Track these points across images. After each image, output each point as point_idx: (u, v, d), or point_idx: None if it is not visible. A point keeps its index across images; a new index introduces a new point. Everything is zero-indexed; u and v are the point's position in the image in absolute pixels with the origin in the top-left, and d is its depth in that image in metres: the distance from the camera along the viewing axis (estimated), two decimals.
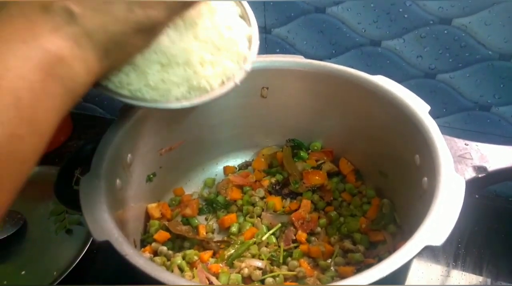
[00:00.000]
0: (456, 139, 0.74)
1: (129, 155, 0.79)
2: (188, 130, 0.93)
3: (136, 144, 0.81)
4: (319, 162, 0.98)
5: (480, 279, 0.85)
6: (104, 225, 0.57)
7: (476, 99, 0.99)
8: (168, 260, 0.78)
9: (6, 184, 0.36)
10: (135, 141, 0.80)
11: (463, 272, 0.86)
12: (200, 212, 0.93)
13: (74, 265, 0.83)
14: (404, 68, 1.02)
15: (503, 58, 0.91)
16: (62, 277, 0.81)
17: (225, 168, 1.02)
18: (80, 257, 0.84)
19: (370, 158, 0.92)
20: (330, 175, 0.96)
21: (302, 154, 0.99)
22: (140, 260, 0.53)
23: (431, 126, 0.71)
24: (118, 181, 0.73)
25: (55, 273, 0.83)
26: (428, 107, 0.75)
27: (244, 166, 1.03)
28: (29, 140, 0.37)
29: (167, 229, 0.86)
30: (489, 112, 1.00)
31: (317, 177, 0.93)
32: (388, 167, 0.88)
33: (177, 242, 0.84)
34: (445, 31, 0.92)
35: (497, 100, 0.97)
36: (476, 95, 0.99)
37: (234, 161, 1.04)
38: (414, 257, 0.53)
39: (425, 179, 0.70)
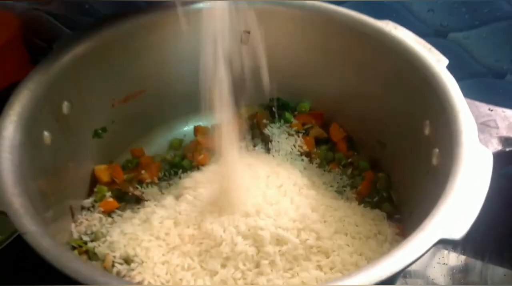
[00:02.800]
0: (477, 103, 0.59)
1: (66, 103, 0.63)
2: (150, 77, 0.76)
3: (78, 89, 0.64)
4: (306, 126, 0.83)
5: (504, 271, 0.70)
6: (2, 190, 0.41)
7: (490, 65, 0.87)
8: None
9: None
10: (76, 85, 0.64)
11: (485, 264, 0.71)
12: (161, 178, 0.78)
13: None
14: (412, 24, 0.87)
15: None
16: None
17: (196, 128, 0.86)
18: None
19: (367, 123, 0.77)
20: (318, 141, 0.81)
21: (287, 115, 0.84)
22: (44, 241, 0.38)
23: (450, 84, 0.56)
24: (46, 133, 0.58)
25: None
26: (445, 61, 0.60)
27: (219, 126, 0.87)
28: None
29: (117, 196, 0.71)
30: (503, 80, 0.87)
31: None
32: (387, 134, 0.73)
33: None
34: None
35: None
36: (491, 59, 0.87)
37: (208, 120, 0.88)
38: (424, 254, 0.39)
39: (436, 150, 0.56)
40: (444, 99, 0.55)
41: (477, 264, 0.69)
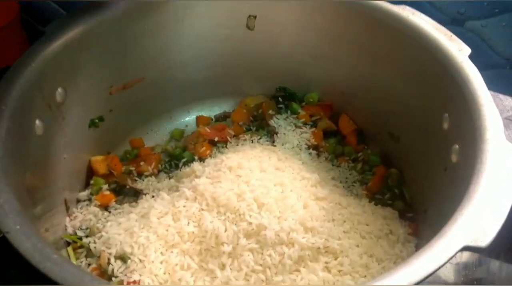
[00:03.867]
0: (502, 97, 0.55)
1: (60, 89, 0.59)
2: (150, 64, 0.72)
3: (72, 76, 0.61)
4: (314, 118, 0.78)
5: None
6: None
7: (508, 55, 0.82)
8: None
9: None
10: (70, 71, 0.60)
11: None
12: (161, 170, 0.74)
13: None
14: (427, 11, 0.81)
15: None
16: None
17: (198, 118, 0.83)
18: None
19: (379, 115, 0.73)
20: (326, 134, 0.77)
21: (295, 106, 0.80)
22: (28, 242, 0.34)
23: (473, 75, 0.52)
24: (38, 122, 0.54)
25: None
26: (468, 50, 0.55)
27: (222, 117, 0.83)
28: None
29: (115, 189, 0.68)
30: None
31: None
32: (401, 128, 0.69)
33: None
34: None
35: None
36: (510, 50, 0.83)
37: (210, 110, 0.84)
38: (446, 263, 0.35)
39: (456, 146, 0.52)
40: (467, 91, 0.51)
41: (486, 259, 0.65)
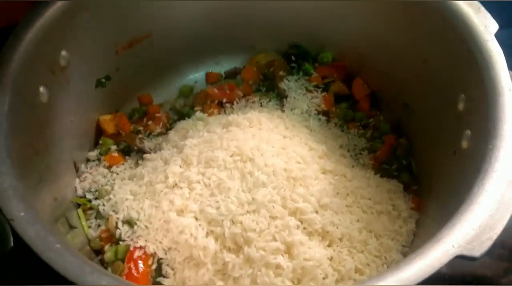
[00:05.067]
0: None
1: (64, 52, 0.57)
2: (156, 19, 0.69)
3: (74, 37, 0.59)
4: (326, 80, 0.76)
5: None
6: None
7: None
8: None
9: None
10: (72, 32, 0.58)
11: None
12: (169, 129, 0.74)
13: None
14: None
15: None
16: None
17: (207, 74, 0.81)
18: None
19: (395, 83, 0.70)
20: (338, 98, 0.75)
21: (307, 66, 0.76)
22: (30, 231, 0.35)
23: (495, 58, 0.48)
24: (42, 89, 0.54)
25: None
26: (495, 27, 0.51)
27: (233, 73, 0.81)
28: None
29: (123, 150, 0.69)
30: None
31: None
32: (416, 99, 0.66)
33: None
34: None
35: None
36: None
37: (220, 66, 0.82)
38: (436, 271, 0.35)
39: (468, 132, 0.50)
40: (487, 76, 0.47)
41: None
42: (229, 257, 0.50)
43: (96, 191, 0.62)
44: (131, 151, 0.69)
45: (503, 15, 0.53)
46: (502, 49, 0.49)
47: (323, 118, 0.72)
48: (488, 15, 0.51)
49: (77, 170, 0.64)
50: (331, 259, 0.54)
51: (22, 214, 0.37)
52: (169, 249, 0.55)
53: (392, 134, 0.71)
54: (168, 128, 0.73)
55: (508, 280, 0.61)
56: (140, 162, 0.67)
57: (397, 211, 0.60)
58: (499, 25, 0.51)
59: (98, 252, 0.58)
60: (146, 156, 0.66)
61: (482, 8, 0.52)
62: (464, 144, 0.50)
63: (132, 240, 0.56)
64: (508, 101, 0.44)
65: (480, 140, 0.46)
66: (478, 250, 0.35)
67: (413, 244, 0.57)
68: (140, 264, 0.53)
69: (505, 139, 0.42)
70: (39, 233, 0.36)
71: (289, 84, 0.74)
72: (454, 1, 0.53)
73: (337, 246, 0.55)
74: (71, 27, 0.57)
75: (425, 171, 0.64)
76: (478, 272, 0.62)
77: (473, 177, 0.42)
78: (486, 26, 0.50)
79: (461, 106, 0.53)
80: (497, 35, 0.51)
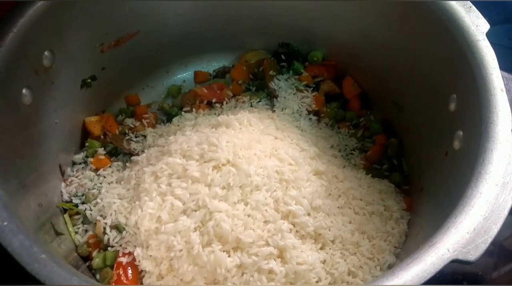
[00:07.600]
0: None
1: (47, 53, 0.55)
2: (143, 17, 0.67)
3: (58, 36, 0.57)
4: (316, 79, 0.75)
5: None
6: None
7: None
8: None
9: None
10: (56, 31, 0.56)
11: None
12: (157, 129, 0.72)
13: None
14: None
15: None
16: None
17: (196, 73, 0.79)
18: None
19: (385, 82, 0.69)
20: (329, 98, 0.74)
21: (297, 65, 0.76)
22: (15, 242, 0.34)
23: (487, 58, 0.48)
24: (25, 91, 0.52)
25: None
26: (486, 26, 0.50)
27: (222, 72, 0.80)
28: None
29: (110, 152, 0.67)
30: None
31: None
32: (407, 98, 0.66)
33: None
34: None
35: None
36: None
37: (209, 65, 0.80)
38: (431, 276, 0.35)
39: (460, 133, 0.50)
40: (478, 76, 0.47)
41: None
42: (220, 265, 0.49)
43: (82, 195, 0.61)
44: (119, 153, 0.68)
45: (493, 13, 0.53)
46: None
47: (314, 118, 0.71)
48: (480, 14, 0.51)
49: (62, 173, 0.62)
50: (324, 262, 0.53)
51: (5, 223, 0.35)
52: (158, 257, 0.53)
53: (383, 134, 0.71)
54: (156, 128, 0.72)
55: (498, 273, 0.62)
56: (127, 164, 0.65)
57: (389, 212, 0.60)
58: (489, 23, 0.51)
59: (86, 258, 0.57)
60: (134, 158, 0.65)
61: (473, 8, 0.52)
62: (456, 145, 0.50)
63: (120, 245, 0.55)
64: (500, 102, 0.44)
65: (472, 141, 0.45)
66: (473, 254, 0.35)
67: (405, 245, 0.57)
68: (129, 271, 0.51)
69: (497, 141, 0.42)
70: (24, 243, 0.35)
71: (279, 83, 0.73)
72: (445, 1, 0.53)
73: (330, 249, 0.55)
74: (55, 26, 0.55)
75: (417, 171, 0.64)
76: (468, 270, 0.62)
77: (466, 178, 0.42)
78: (477, 25, 0.50)
79: (453, 106, 0.53)
80: (487, 34, 0.50)
